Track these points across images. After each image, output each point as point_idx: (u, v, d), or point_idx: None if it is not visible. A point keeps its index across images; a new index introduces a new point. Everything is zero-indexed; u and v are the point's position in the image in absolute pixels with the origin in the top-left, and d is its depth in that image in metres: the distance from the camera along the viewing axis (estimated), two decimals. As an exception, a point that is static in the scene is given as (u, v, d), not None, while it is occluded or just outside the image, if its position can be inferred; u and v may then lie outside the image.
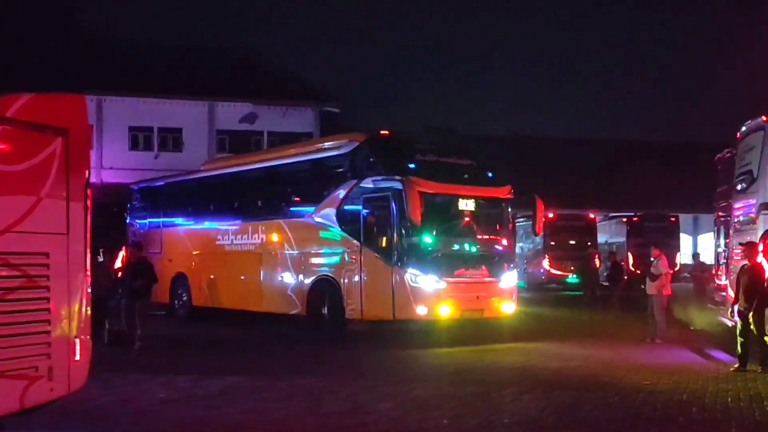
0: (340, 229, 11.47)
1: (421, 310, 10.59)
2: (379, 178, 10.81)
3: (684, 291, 19.43)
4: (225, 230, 13.98)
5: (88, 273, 4.67)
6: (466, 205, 11.23)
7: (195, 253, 14.70)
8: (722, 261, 11.89)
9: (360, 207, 11.13)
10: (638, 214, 25.71)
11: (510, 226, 12.14)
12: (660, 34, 48.05)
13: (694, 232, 34.27)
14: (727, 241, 11.36)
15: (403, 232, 10.66)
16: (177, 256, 15.03)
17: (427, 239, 10.84)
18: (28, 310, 4.30)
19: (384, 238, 10.85)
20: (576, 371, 8.65)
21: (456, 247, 11.22)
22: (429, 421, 6.13)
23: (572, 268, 22.50)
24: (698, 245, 32.00)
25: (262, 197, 13.79)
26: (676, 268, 24.34)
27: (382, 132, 11.80)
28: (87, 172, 4.71)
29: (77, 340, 4.52)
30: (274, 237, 12.85)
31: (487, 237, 11.61)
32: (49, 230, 4.42)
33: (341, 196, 11.41)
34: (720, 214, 12.48)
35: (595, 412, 6.46)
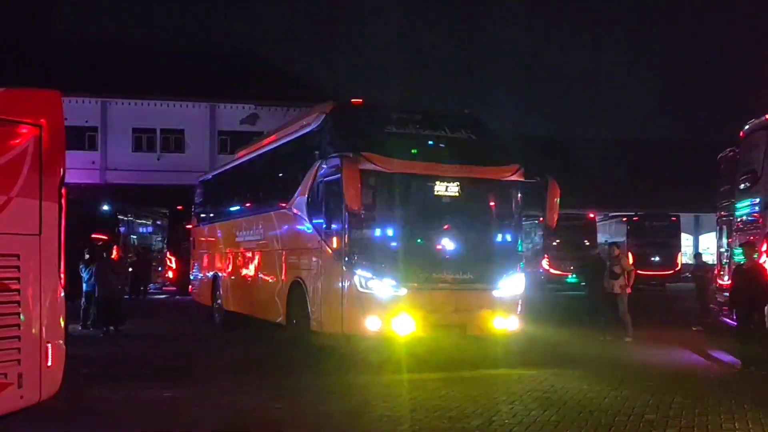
0: (308, 221, 9.41)
1: (371, 324, 8.26)
2: (333, 156, 8.65)
3: (687, 291, 19.27)
4: (237, 227, 12.83)
5: (62, 275, 4.49)
6: (446, 188, 8.73)
7: (222, 251, 13.68)
8: (724, 261, 11.72)
9: (320, 193, 9.02)
10: (638, 213, 25.58)
11: (516, 216, 9.37)
12: (661, 32, 47.86)
13: (696, 232, 34.06)
14: (730, 240, 11.20)
15: (351, 223, 8.38)
16: (213, 255, 14.15)
17: (382, 232, 8.56)
18: (-4, 314, 4.13)
19: (336, 232, 8.68)
20: (577, 372, 8.48)
21: (426, 243, 8.74)
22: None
23: (572, 267, 22.35)
24: (700, 245, 31.86)
25: (257, 188, 12.41)
26: (677, 269, 24.26)
27: (353, 100, 9.54)
28: (62, 170, 4.53)
29: (49, 346, 4.35)
30: (267, 233, 11.26)
31: (477, 230, 9.06)
32: (20, 231, 4.26)
33: (309, 182, 9.35)
34: (722, 213, 12.31)
35: (597, 414, 6.36)
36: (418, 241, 8.77)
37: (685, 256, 26.26)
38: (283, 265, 10.45)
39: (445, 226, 8.87)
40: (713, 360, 9.57)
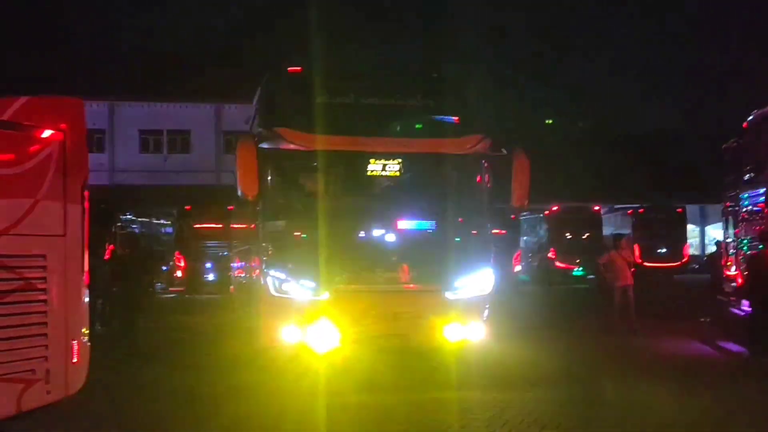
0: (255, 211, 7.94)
1: (288, 335, 6.90)
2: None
3: (694, 283, 19.27)
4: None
5: (86, 274, 4.67)
6: (384, 167, 7.27)
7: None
8: (731, 251, 11.77)
9: None
10: (644, 205, 25.58)
11: (480, 198, 7.72)
12: (675, 21, 47.65)
13: (702, 223, 33.98)
14: (737, 231, 11.24)
15: (263, 213, 7.27)
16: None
17: (300, 223, 7.19)
18: (24, 313, 4.31)
19: (257, 225, 7.62)
20: (582, 366, 8.50)
21: (356, 234, 7.27)
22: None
23: (578, 261, 22.44)
24: (707, 236, 31.84)
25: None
26: (684, 260, 24.32)
27: (290, 68, 7.73)
28: (84, 174, 4.72)
29: (74, 343, 4.52)
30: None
31: (424, 218, 7.45)
32: (45, 232, 4.44)
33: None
34: (728, 204, 12.35)
35: (600, 409, 6.39)
36: (345, 232, 7.18)
37: (692, 248, 26.24)
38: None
39: (382, 213, 7.34)
40: (722, 351, 9.59)
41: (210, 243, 21.57)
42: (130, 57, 32.69)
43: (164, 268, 23.39)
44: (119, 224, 20.93)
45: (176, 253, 23.25)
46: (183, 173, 31.33)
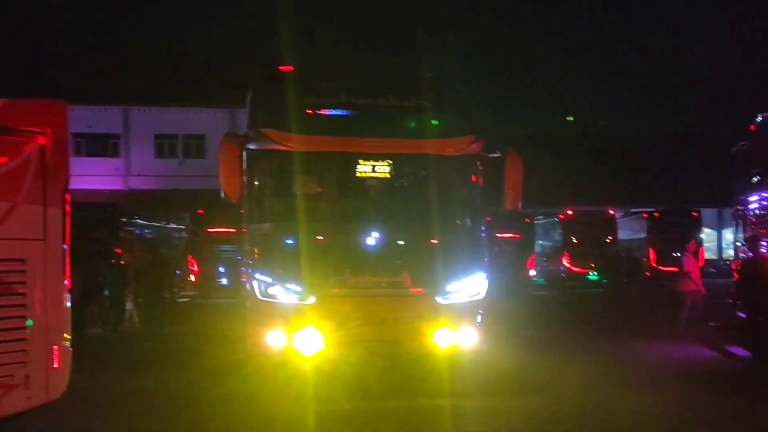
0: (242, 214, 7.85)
1: (275, 340, 6.77)
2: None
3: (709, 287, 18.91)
4: None
5: (67, 279, 4.66)
6: (373, 168, 7.15)
7: None
8: (741, 255, 11.58)
9: None
10: (659, 209, 25.32)
11: (474, 200, 7.56)
12: (681, 22, 46.86)
13: (719, 227, 33.46)
14: (745, 235, 11.07)
15: (249, 216, 7.24)
16: None
17: (286, 226, 7.04)
18: (3, 318, 4.31)
19: (245, 228, 7.51)
20: (585, 372, 8.37)
21: (343, 237, 7.05)
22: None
23: (593, 265, 22.22)
24: (723, 240, 31.34)
25: None
26: (700, 264, 23.92)
27: (281, 67, 7.77)
28: (66, 177, 4.71)
29: (55, 348, 4.51)
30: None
31: (414, 220, 7.32)
32: (25, 236, 4.44)
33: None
34: (738, 207, 12.17)
35: (602, 418, 6.25)
36: (334, 236, 7.03)
37: (708, 252, 25.84)
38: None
39: (371, 216, 7.22)
40: (728, 355, 9.50)
41: (224, 247, 21.58)
42: (144, 62, 33.08)
43: (177, 272, 23.50)
44: (128, 228, 21.02)
45: (189, 257, 23.37)
46: (198, 177, 31.60)
